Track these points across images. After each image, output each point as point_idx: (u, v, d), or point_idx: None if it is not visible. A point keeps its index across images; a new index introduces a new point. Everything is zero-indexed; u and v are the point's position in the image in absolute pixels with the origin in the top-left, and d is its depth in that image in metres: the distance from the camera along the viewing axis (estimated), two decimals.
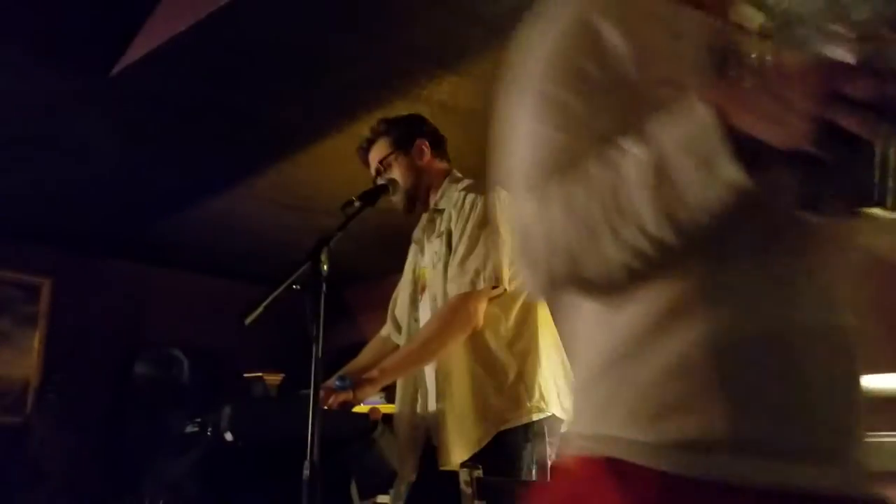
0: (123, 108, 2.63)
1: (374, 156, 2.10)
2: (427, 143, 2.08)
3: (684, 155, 0.60)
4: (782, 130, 0.57)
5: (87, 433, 4.09)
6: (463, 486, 1.48)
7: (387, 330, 2.30)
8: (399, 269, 2.28)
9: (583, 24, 0.74)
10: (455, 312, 1.81)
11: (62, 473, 3.83)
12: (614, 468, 0.68)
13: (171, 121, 2.72)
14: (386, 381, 1.83)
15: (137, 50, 2.30)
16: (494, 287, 1.85)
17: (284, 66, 2.31)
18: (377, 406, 1.88)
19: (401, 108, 2.47)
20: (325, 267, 1.50)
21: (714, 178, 0.59)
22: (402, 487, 1.97)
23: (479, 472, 1.49)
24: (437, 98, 2.47)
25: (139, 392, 4.00)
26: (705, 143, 0.59)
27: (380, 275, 4.51)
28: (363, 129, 2.18)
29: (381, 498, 3.12)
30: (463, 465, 1.53)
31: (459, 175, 2.12)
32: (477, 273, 1.82)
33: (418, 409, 1.96)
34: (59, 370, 3.89)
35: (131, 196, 3.49)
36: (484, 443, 1.77)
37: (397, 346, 2.23)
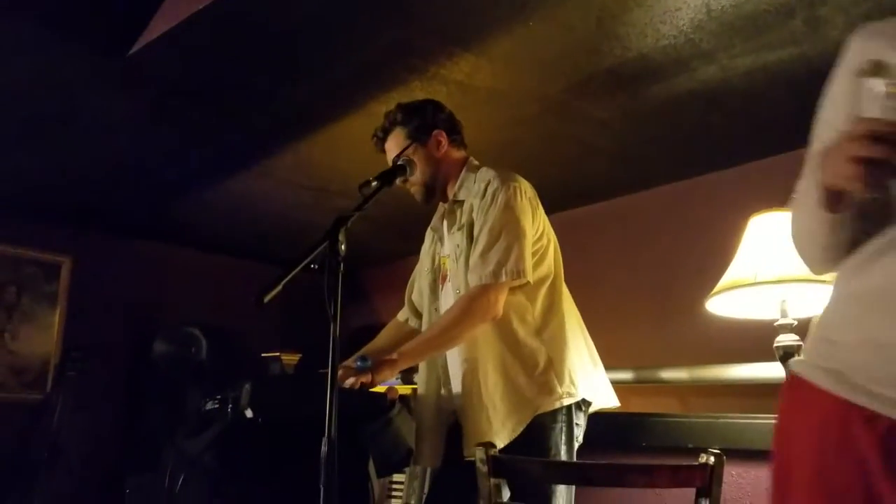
0: (141, 88, 2.64)
1: (391, 147, 2.09)
2: (444, 133, 2.07)
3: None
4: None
5: (107, 410, 4.16)
6: (478, 463, 1.49)
7: (404, 314, 2.32)
8: (413, 252, 2.28)
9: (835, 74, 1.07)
10: (475, 302, 1.82)
11: (82, 450, 3.89)
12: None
13: (189, 101, 2.72)
14: (404, 366, 1.85)
15: (155, 29, 2.30)
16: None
17: (301, 45, 2.30)
18: (394, 386, 1.89)
19: (418, 88, 2.46)
20: (343, 247, 1.50)
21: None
22: (419, 469, 1.99)
23: (494, 451, 1.49)
24: (454, 78, 2.45)
25: (158, 370, 4.04)
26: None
27: (394, 257, 4.52)
28: (380, 109, 2.17)
29: (397, 476, 3.15)
30: (478, 443, 1.54)
31: (476, 163, 2.10)
32: (499, 265, 1.82)
33: (443, 392, 1.98)
34: (78, 348, 3.94)
35: (149, 175, 3.51)
36: (518, 431, 1.79)
37: (413, 330, 2.24)
